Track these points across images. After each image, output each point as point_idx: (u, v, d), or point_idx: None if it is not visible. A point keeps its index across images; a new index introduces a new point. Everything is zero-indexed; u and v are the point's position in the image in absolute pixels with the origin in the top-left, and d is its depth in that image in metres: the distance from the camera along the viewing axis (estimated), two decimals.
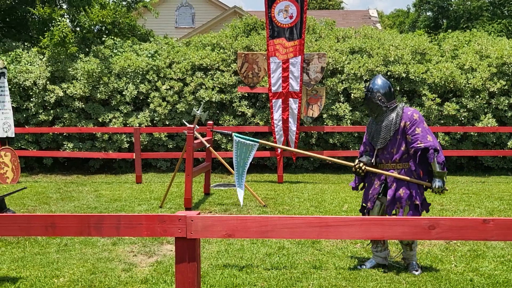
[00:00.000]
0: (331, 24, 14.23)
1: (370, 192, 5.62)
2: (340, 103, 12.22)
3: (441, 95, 12.29)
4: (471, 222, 3.04)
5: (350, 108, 12.22)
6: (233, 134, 6.63)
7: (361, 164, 5.57)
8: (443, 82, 12.04)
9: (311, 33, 13.49)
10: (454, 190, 9.92)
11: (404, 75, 12.10)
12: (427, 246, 6.43)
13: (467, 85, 12.05)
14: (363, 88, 11.72)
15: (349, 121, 12.15)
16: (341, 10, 28.79)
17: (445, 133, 12.01)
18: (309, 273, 5.51)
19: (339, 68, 12.38)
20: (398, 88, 12.25)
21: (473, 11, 37.27)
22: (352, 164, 5.67)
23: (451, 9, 39.10)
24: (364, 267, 5.62)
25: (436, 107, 12.00)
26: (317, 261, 5.87)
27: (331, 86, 12.22)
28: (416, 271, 5.46)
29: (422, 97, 12.18)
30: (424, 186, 5.50)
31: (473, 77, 12.06)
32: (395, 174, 5.44)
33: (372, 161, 5.65)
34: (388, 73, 12.21)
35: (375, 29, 14.09)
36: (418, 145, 5.32)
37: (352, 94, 12.10)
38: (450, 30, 15.95)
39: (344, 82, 12.24)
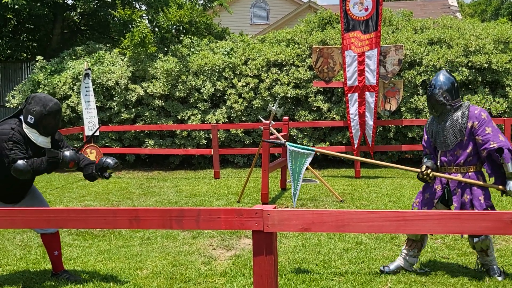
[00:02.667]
0: (408, 15, 13.91)
1: (428, 195, 5.25)
2: (419, 96, 11.95)
3: None
4: None
5: None
6: (287, 143, 6.31)
7: (429, 170, 5.14)
8: None
9: (388, 25, 13.25)
10: None
11: (486, 65, 11.67)
12: None
13: None
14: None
15: (428, 114, 11.86)
16: (419, 1, 28.00)
17: None
18: None
19: (417, 60, 12.09)
20: (479, 79, 11.83)
21: None
22: (418, 170, 5.25)
23: None
24: (387, 269, 5.29)
25: None
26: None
27: (409, 78, 11.97)
28: (499, 276, 5.10)
29: (506, 88, 11.70)
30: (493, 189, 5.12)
31: None
32: (467, 179, 5.04)
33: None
34: (469, 64, 11.81)
35: (455, 19, 13.64)
36: (492, 146, 4.92)
37: None
38: None
39: (422, 74, 11.95)
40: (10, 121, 5.00)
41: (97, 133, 12.15)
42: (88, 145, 11.87)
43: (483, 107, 11.58)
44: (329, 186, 9.07)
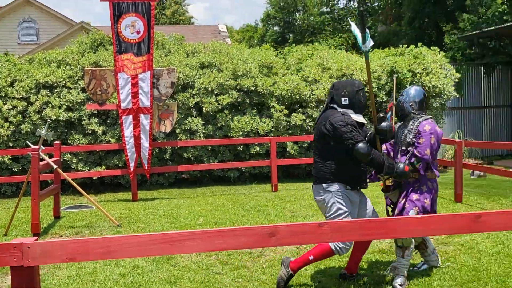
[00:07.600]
0: (180, 39, 14.30)
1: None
2: (193, 117, 12.31)
3: (288, 106, 12.84)
4: (309, 227, 3.21)
5: (203, 122, 12.36)
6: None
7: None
8: (289, 94, 12.59)
9: (160, 48, 13.46)
10: (303, 197, 10.39)
11: (252, 88, 12.47)
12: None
13: (311, 96, 12.73)
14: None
15: (202, 135, 12.28)
16: (191, 26, 29.10)
17: (293, 142, 12.57)
18: None
19: (190, 83, 12.46)
20: (248, 101, 12.59)
21: (316, 25, 39.45)
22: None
23: (296, 24, 41.04)
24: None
25: (284, 118, 12.53)
26: (172, 277, 5.84)
27: (183, 100, 12.27)
28: (401, 285, 5.14)
29: (271, 109, 12.62)
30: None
31: (317, 88, 12.77)
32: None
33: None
34: (238, 87, 12.52)
35: (224, 44, 14.38)
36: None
37: (204, 108, 12.24)
38: (294, 44, 16.75)
39: (195, 96, 12.35)
40: (332, 111, 5.22)
41: None
42: None
43: (251, 127, 12.33)
44: (106, 211, 8.84)
